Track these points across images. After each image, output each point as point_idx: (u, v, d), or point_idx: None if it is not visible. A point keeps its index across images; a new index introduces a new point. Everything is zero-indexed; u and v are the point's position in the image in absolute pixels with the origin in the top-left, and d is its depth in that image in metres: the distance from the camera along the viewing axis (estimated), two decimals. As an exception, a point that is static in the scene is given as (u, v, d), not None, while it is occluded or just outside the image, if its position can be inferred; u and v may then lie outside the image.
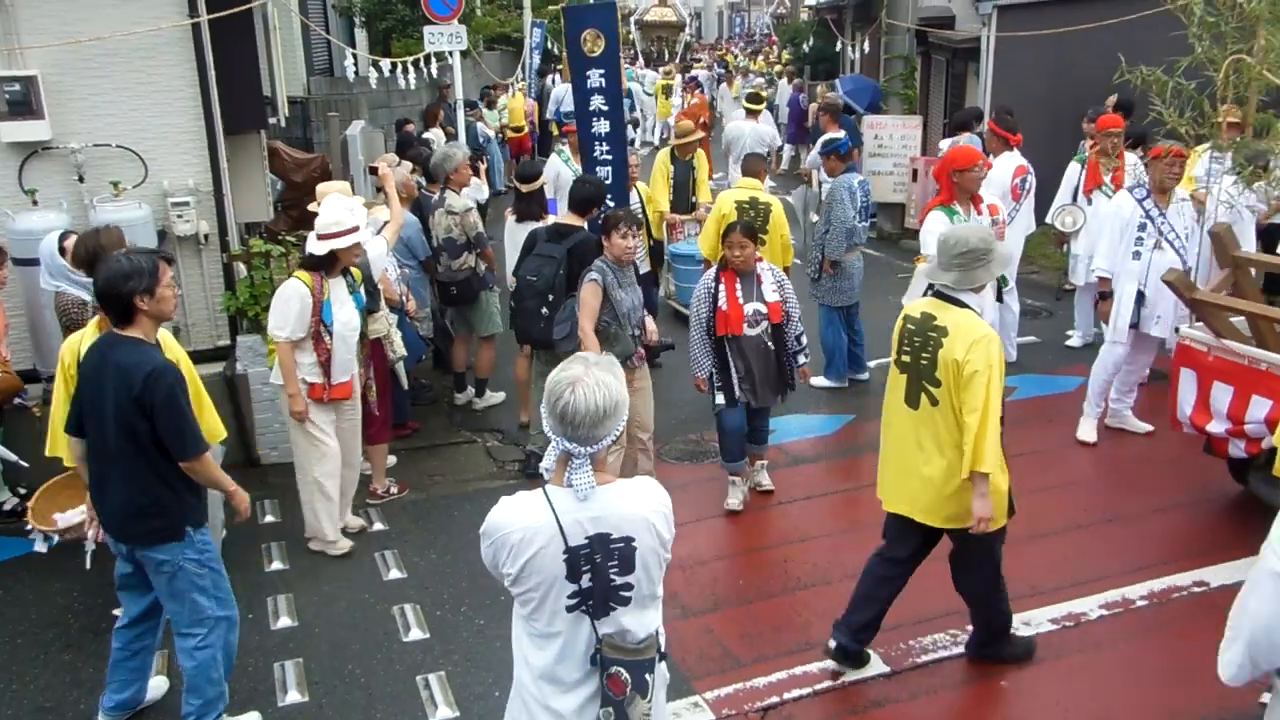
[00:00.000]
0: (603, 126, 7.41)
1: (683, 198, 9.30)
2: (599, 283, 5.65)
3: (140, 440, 3.79)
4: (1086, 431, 6.81)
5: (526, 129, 17.96)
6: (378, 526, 6.03)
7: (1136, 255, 6.52)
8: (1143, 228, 6.50)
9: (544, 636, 2.71)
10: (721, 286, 5.79)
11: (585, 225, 6.33)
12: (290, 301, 5.32)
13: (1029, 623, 4.84)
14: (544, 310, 6.06)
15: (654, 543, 2.71)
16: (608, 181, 7.35)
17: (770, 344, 5.84)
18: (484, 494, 6.37)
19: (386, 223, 6.46)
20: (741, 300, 5.75)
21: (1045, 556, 5.48)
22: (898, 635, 4.79)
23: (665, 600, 2.89)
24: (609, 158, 7.45)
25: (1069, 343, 8.66)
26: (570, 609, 2.67)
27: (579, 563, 2.63)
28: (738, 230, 5.77)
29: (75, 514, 4.64)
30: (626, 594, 2.69)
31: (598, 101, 7.35)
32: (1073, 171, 8.38)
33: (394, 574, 5.49)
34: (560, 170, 8.95)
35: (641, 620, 2.74)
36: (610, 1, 7.71)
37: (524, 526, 2.64)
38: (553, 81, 20.52)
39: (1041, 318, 9.42)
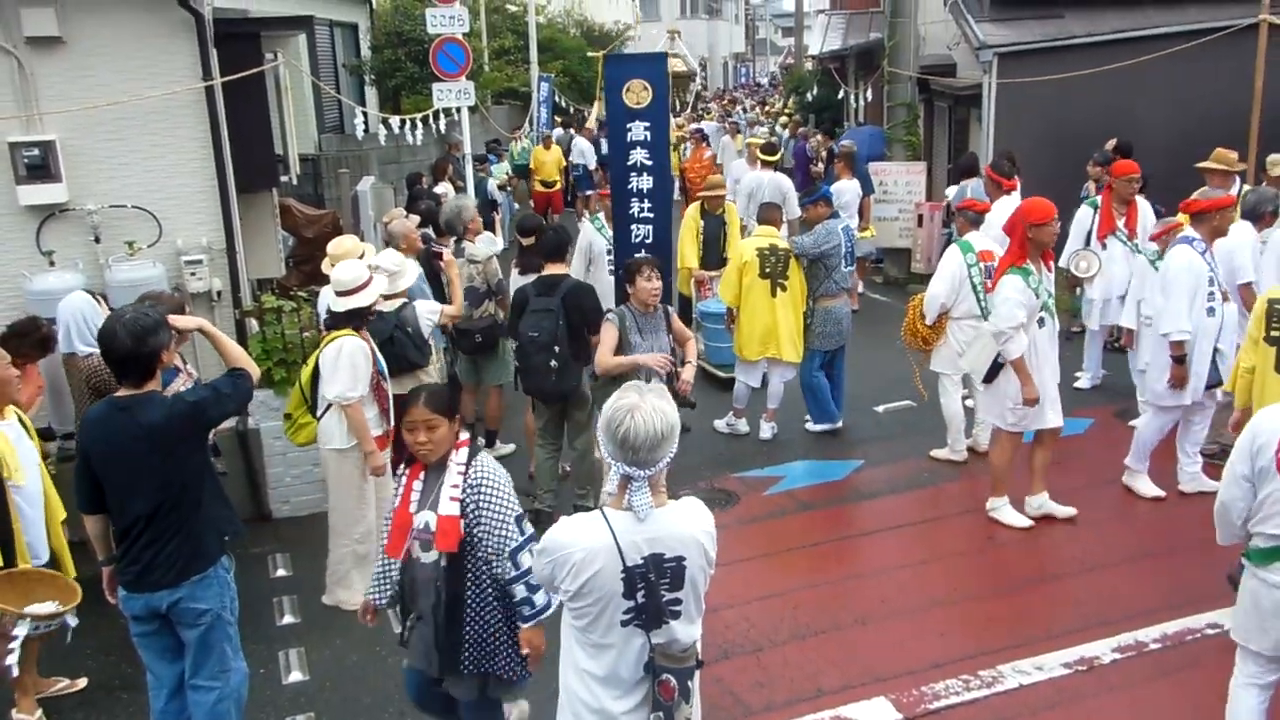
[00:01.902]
0: (644, 182, 7.18)
1: (714, 253, 9.02)
2: (615, 323, 5.75)
3: (206, 466, 3.99)
4: (1149, 487, 6.57)
5: (560, 184, 17.43)
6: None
7: (1211, 312, 6.16)
8: (1211, 282, 6.19)
9: (598, 647, 2.91)
10: (403, 482, 3.84)
11: (569, 272, 6.41)
12: (356, 357, 5.33)
13: (1041, 667, 4.83)
14: (552, 364, 6.13)
15: (702, 561, 2.93)
16: (647, 241, 7.24)
17: (443, 587, 3.65)
18: (494, 545, 6.38)
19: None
20: (415, 506, 3.73)
21: (1058, 599, 5.49)
22: (910, 681, 4.78)
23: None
24: (649, 215, 7.23)
25: (1077, 384, 8.65)
26: (625, 624, 2.87)
27: (635, 581, 2.83)
28: (421, 402, 3.68)
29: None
30: (676, 608, 2.91)
31: (639, 155, 7.13)
32: (1084, 216, 8.25)
33: (405, 626, 5.49)
34: (594, 239, 8.39)
35: (688, 630, 2.96)
36: (661, 53, 7.59)
37: (585, 546, 2.82)
38: (571, 133, 20.56)
39: (1049, 360, 9.43)
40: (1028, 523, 6.25)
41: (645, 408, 2.77)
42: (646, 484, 2.82)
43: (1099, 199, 8.24)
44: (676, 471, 6.98)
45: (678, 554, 2.87)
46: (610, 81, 7.13)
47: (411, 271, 6.24)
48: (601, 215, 8.47)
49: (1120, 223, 7.95)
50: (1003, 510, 6.35)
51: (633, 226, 7.19)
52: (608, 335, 5.80)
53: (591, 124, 21.28)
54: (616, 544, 2.81)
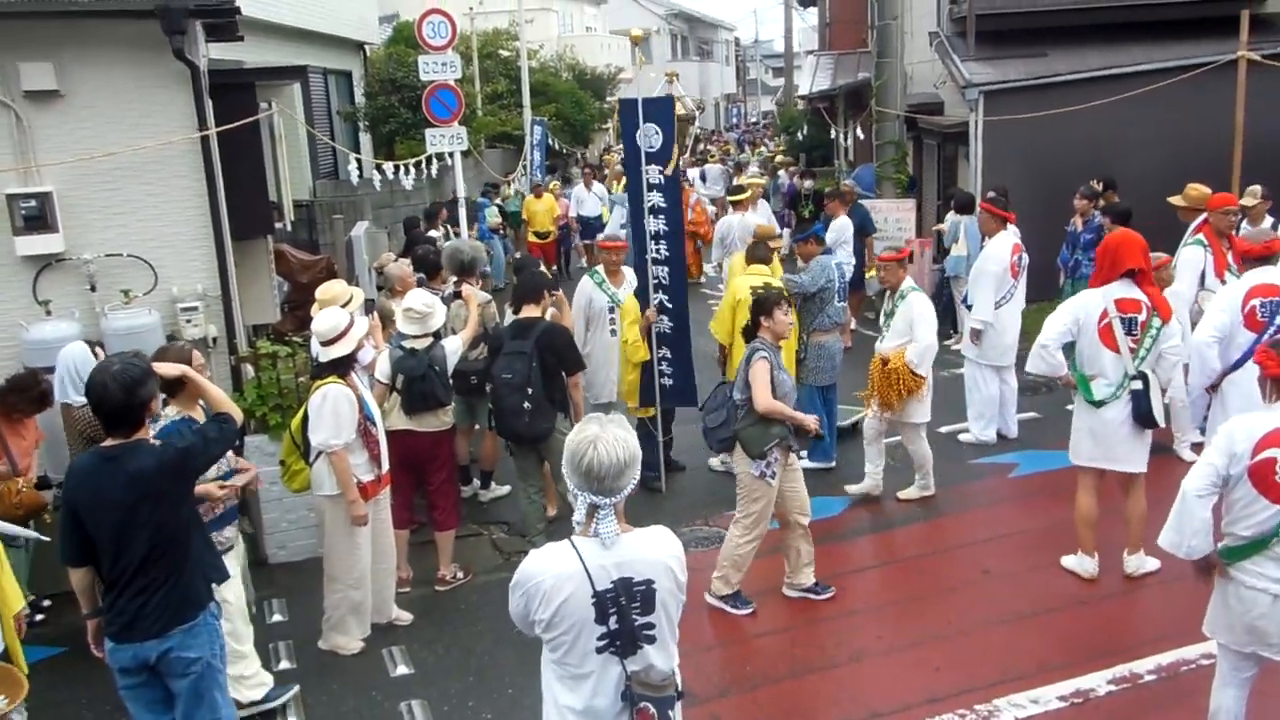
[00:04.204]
0: (659, 224, 7.30)
1: None
2: (769, 359, 5.63)
3: (194, 513, 4.03)
4: None
5: (554, 234, 16.49)
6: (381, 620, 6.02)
7: None
8: None
9: (575, 678, 2.94)
10: None
11: (543, 315, 6.46)
12: (340, 404, 5.33)
13: (1036, 700, 4.84)
14: (525, 405, 6.15)
15: (671, 585, 2.96)
16: (666, 284, 7.34)
17: None
18: (491, 586, 6.38)
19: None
20: None
21: (1052, 632, 5.50)
22: (906, 717, 4.79)
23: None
24: (666, 255, 7.34)
25: None
26: (600, 650, 2.90)
27: (606, 606, 2.87)
28: None
29: None
30: (650, 632, 2.94)
31: (655, 198, 7.28)
32: (1195, 256, 7.51)
33: (401, 670, 5.49)
34: (593, 295, 7.62)
35: (664, 658, 2.98)
36: (668, 96, 7.65)
37: (556, 573, 2.88)
38: (570, 180, 20.53)
39: (1041, 394, 9.48)
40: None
41: (607, 438, 2.83)
42: (612, 511, 2.87)
43: (1203, 237, 7.60)
44: (672, 511, 7.05)
45: (646, 578, 2.91)
46: (625, 127, 7.21)
47: (441, 312, 6.29)
48: (601, 269, 7.78)
49: (1229, 257, 7.46)
50: None
51: (651, 268, 7.32)
52: (764, 374, 5.59)
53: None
54: (585, 569, 2.86)
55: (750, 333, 5.87)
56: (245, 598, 5.22)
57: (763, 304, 5.81)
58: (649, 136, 7.23)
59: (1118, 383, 5.74)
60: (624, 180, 18.74)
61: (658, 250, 7.40)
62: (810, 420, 5.73)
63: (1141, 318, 5.70)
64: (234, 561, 4.95)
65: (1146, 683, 4.98)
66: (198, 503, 4.36)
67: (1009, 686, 4.96)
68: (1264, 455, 3.76)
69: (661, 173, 7.26)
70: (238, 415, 4.24)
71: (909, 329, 7.01)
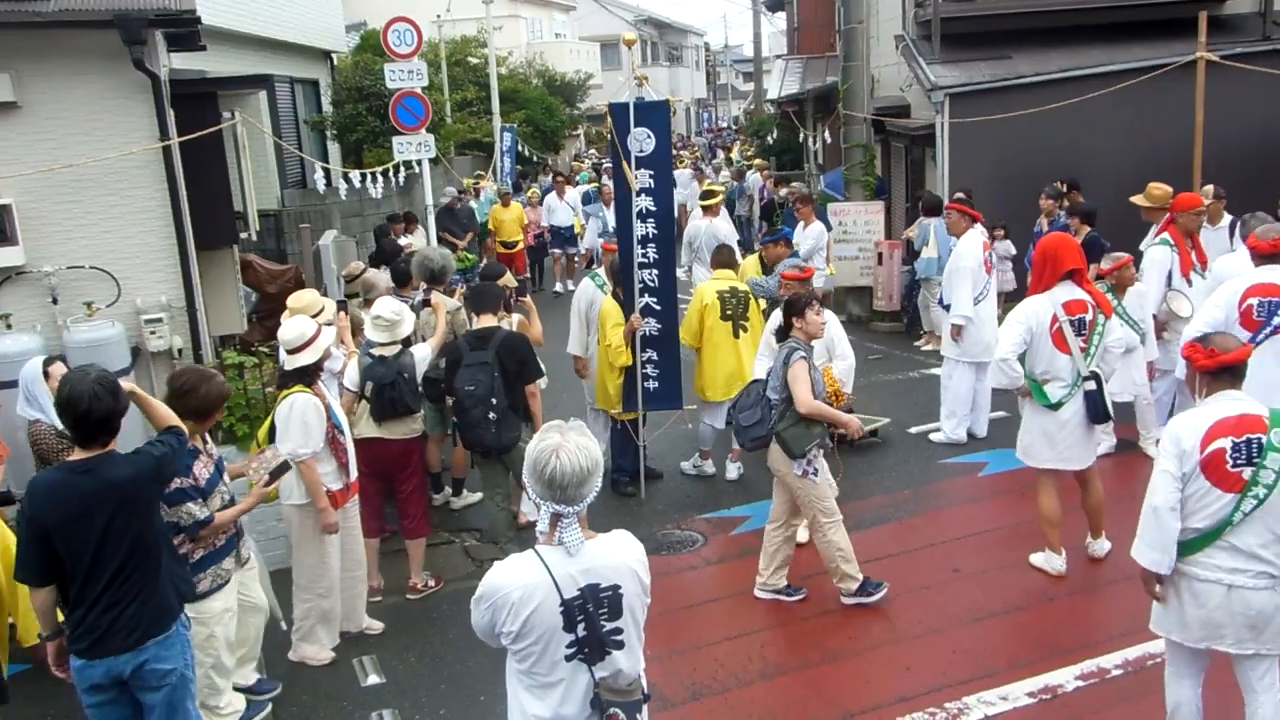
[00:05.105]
0: (649, 228, 7.32)
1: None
2: (807, 359, 5.63)
3: (163, 523, 4.01)
4: None
5: (521, 243, 16.14)
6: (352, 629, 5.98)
7: None
8: None
9: (544, 686, 2.93)
10: None
11: (500, 325, 6.44)
12: (308, 413, 5.29)
13: (1006, 697, 4.87)
14: (491, 415, 6.13)
15: (637, 589, 2.97)
16: (654, 286, 7.35)
17: None
18: (463, 594, 6.31)
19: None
20: None
21: (1020, 629, 5.54)
22: (877, 717, 4.80)
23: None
24: (654, 258, 7.38)
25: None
26: (569, 658, 2.90)
27: (574, 613, 2.87)
28: None
29: None
30: (618, 638, 2.94)
31: (644, 202, 7.30)
32: (1163, 256, 7.49)
33: (372, 679, 5.46)
34: (595, 298, 7.84)
35: (631, 662, 2.98)
36: (663, 100, 7.64)
37: (523, 584, 2.86)
38: (544, 188, 20.46)
39: (1012, 392, 9.53)
40: None
41: (569, 446, 2.81)
42: (576, 520, 2.86)
43: (1169, 236, 7.57)
44: (644, 515, 7.04)
45: (613, 583, 2.91)
46: (617, 130, 7.21)
47: (409, 320, 6.26)
48: (602, 271, 7.98)
49: (1192, 255, 7.54)
50: None
51: (639, 272, 7.32)
52: (804, 374, 5.59)
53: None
54: (552, 579, 2.85)
55: (782, 333, 5.88)
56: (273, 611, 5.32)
57: (794, 304, 5.82)
58: (640, 140, 7.24)
59: (1071, 383, 5.82)
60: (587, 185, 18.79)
61: (645, 254, 7.40)
62: (853, 421, 5.78)
63: (1089, 317, 5.78)
64: (230, 595, 4.77)
65: (1113, 677, 5.02)
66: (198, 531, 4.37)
67: (979, 684, 5.00)
68: (1214, 447, 3.81)
69: (652, 176, 7.27)
70: (184, 428, 4.22)
71: (825, 350, 6.84)
